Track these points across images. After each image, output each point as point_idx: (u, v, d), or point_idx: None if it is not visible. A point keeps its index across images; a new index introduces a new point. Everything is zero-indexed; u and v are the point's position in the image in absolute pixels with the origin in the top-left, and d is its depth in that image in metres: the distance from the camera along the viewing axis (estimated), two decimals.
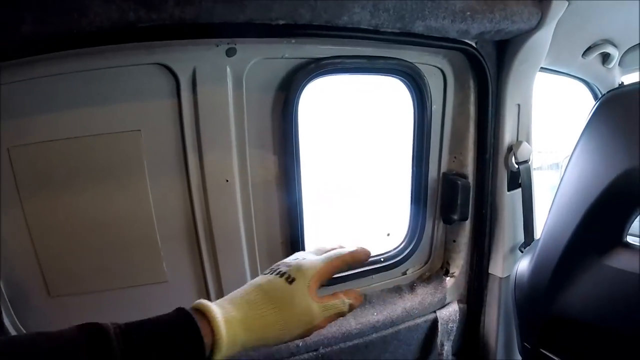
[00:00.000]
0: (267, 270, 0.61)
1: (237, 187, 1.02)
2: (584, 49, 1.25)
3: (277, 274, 0.58)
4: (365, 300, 1.22)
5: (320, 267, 0.60)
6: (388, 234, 1.22)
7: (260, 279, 0.59)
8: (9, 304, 1.06)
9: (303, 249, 1.09)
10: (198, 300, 0.54)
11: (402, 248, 1.22)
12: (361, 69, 1.04)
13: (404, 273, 1.28)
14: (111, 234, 1.01)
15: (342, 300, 0.62)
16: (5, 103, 0.88)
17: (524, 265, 0.96)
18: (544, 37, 1.04)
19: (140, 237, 1.04)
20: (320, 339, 1.14)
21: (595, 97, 1.51)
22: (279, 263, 0.62)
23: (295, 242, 1.10)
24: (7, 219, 0.96)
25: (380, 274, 1.23)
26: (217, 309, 0.52)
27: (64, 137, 0.93)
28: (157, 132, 0.97)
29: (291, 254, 1.07)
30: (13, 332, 1.08)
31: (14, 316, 1.06)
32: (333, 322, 1.10)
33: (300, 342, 1.13)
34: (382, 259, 1.21)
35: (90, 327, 0.45)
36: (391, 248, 1.23)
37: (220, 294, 1.10)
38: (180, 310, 0.52)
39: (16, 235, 0.98)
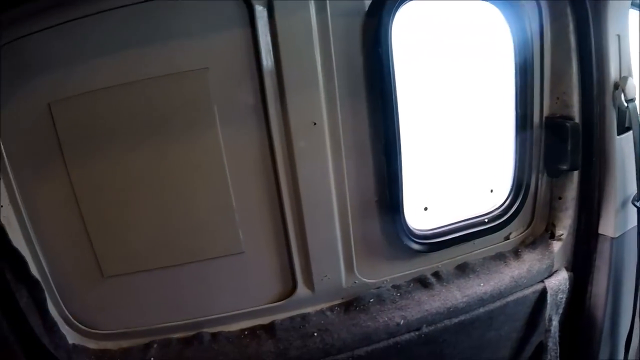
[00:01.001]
0: None
1: (326, 132, 0.91)
2: None
3: None
4: (469, 270, 1.09)
5: None
6: (491, 190, 1.11)
7: None
8: (55, 292, 0.96)
9: (401, 209, 0.97)
10: None
11: (506, 207, 1.10)
12: None
13: (507, 238, 1.15)
14: (174, 199, 0.91)
15: None
16: (38, 54, 0.78)
17: None
18: None
19: (211, 200, 0.93)
20: (424, 315, 1.01)
21: None
22: None
23: (394, 201, 0.98)
24: (49, 188, 0.88)
25: (482, 238, 1.11)
26: None
27: (112, 85, 0.83)
28: (228, 69, 0.86)
29: (387, 214, 0.98)
30: (60, 322, 0.96)
31: (62, 304, 0.97)
32: (437, 297, 0.99)
33: (401, 321, 0.99)
34: (486, 220, 1.09)
35: None
36: (494, 207, 1.11)
37: (306, 265, 0.98)
38: None
39: (60, 207, 0.90)
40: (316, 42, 0.85)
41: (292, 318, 1.00)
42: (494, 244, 1.14)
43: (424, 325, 1.00)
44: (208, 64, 0.84)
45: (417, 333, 1.00)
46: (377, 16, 0.86)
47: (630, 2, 1.07)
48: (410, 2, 0.92)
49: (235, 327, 1.02)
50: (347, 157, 0.93)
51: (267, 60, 0.85)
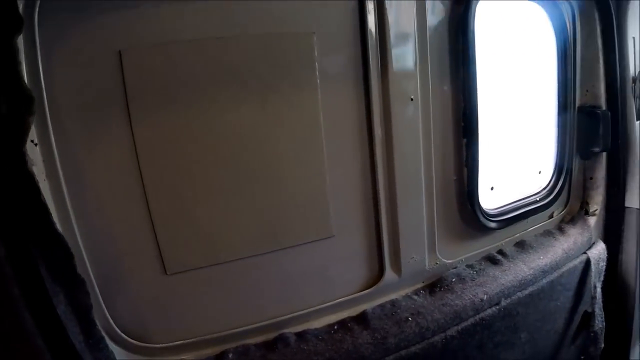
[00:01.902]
0: None
1: (419, 109, 0.95)
2: None
3: None
4: (527, 246, 1.19)
5: None
6: (540, 172, 1.23)
7: None
8: (99, 297, 0.81)
9: (477, 188, 1.04)
10: None
11: (551, 187, 1.23)
12: None
13: (550, 216, 1.28)
14: (260, 176, 0.85)
15: None
16: None
17: None
18: None
19: (304, 177, 0.89)
20: (502, 289, 1.07)
21: None
22: None
23: (471, 180, 1.05)
24: (104, 159, 0.75)
25: (532, 217, 1.22)
26: None
27: (199, 38, 0.75)
28: (333, 38, 0.86)
29: (464, 193, 1.04)
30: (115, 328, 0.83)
31: (107, 313, 0.82)
32: (508, 272, 1.07)
33: (484, 296, 1.04)
34: (537, 199, 1.20)
35: None
36: (541, 188, 1.23)
37: (394, 247, 0.99)
38: None
39: (115, 185, 0.77)
40: (415, 19, 0.91)
41: (382, 306, 1.00)
42: (541, 222, 1.26)
43: (503, 299, 1.06)
44: (314, 29, 0.83)
45: (497, 307, 1.05)
46: (462, 3, 0.95)
47: None
48: None
49: (320, 323, 0.97)
50: (435, 136, 0.98)
51: (372, 33, 0.88)
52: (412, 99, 0.92)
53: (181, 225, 0.82)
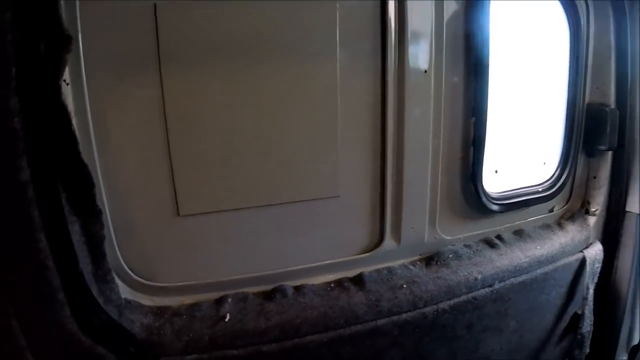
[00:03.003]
0: None
1: (432, 83, 1.01)
2: None
3: None
4: (525, 235, 1.24)
5: None
6: (544, 163, 1.28)
7: None
8: (112, 233, 0.87)
9: (481, 169, 1.08)
10: None
11: (554, 180, 1.28)
12: None
13: (551, 210, 1.33)
14: (275, 133, 0.92)
15: None
16: None
17: None
18: None
19: (316, 137, 0.95)
20: (496, 272, 1.12)
21: None
22: None
23: (476, 160, 1.10)
24: (132, 102, 0.83)
25: (533, 208, 1.27)
26: None
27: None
28: (354, 9, 0.92)
29: (468, 172, 1.09)
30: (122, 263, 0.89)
31: (117, 249, 0.88)
32: (505, 256, 1.12)
33: (479, 276, 1.09)
34: (539, 189, 1.26)
35: None
36: (544, 180, 1.28)
37: (397, 215, 1.04)
38: None
39: (140, 125, 0.84)
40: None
41: (378, 270, 1.05)
42: (541, 214, 1.31)
43: (496, 282, 1.10)
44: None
45: (490, 289, 1.09)
46: None
47: None
48: None
49: (318, 280, 1.03)
50: (445, 112, 1.03)
51: (391, 5, 0.94)
52: (425, 72, 0.98)
53: (198, 171, 0.89)
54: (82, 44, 0.75)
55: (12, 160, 0.65)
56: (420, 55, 0.97)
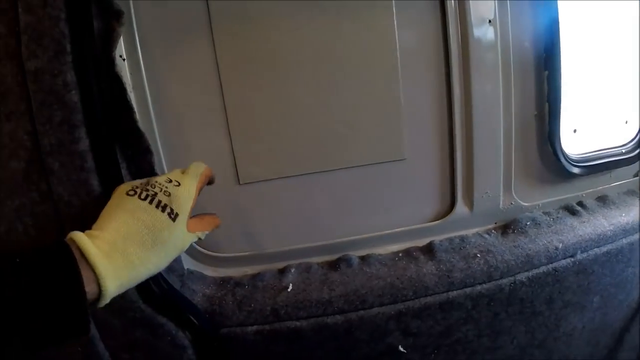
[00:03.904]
0: (140, 192, 0.59)
1: (498, 33, 0.92)
2: None
3: (158, 206, 0.58)
4: (609, 201, 1.13)
5: (194, 196, 0.63)
6: (626, 122, 1.17)
7: (137, 208, 0.57)
8: None
9: (559, 126, 0.99)
10: (73, 234, 0.52)
11: (638, 140, 1.16)
12: None
13: (636, 175, 1.21)
14: (335, 93, 0.88)
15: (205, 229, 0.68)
16: None
17: None
18: None
19: (378, 96, 0.90)
20: (578, 240, 1.02)
21: None
22: (152, 183, 0.61)
23: (552, 116, 1.00)
24: (186, 70, 0.84)
25: (616, 172, 1.16)
26: (100, 256, 0.50)
27: None
28: None
29: (544, 131, 1.00)
30: None
31: None
32: (587, 224, 1.02)
33: (559, 244, 1.00)
34: (623, 151, 1.15)
35: None
36: (628, 140, 1.17)
37: (468, 178, 0.97)
38: (60, 247, 0.49)
39: (195, 94, 0.86)
40: None
41: (450, 239, 0.98)
42: (625, 179, 1.20)
43: (579, 252, 1.01)
44: None
45: (572, 260, 1.00)
46: None
47: None
48: None
49: (385, 250, 0.98)
50: (514, 65, 0.95)
51: None
52: (490, 22, 0.89)
53: (257, 137, 0.88)
54: (135, 20, 0.78)
55: (71, 132, 0.69)
56: (482, 3, 0.89)
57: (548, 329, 1.05)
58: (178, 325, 0.85)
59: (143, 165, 0.82)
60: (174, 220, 0.58)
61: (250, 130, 0.89)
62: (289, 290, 0.89)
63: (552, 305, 1.02)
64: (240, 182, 0.91)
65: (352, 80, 0.88)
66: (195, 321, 0.84)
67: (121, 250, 0.52)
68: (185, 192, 0.62)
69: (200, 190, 0.67)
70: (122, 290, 0.53)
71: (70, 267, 0.46)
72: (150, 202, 0.58)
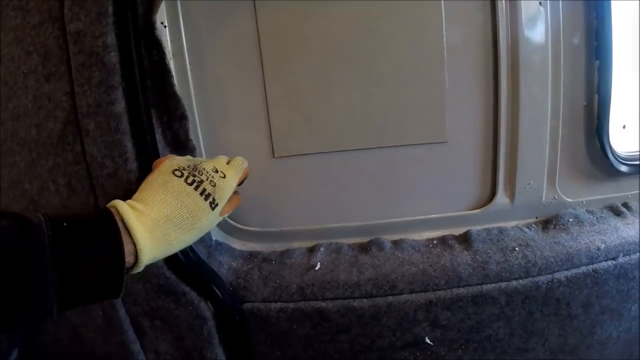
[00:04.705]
0: (187, 176, 0.62)
1: (549, 17, 0.89)
2: None
3: (202, 194, 0.61)
4: None
5: (234, 188, 0.69)
6: (624, 126, 1.12)
7: (183, 192, 0.60)
8: None
9: (608, 119, 0.95)
10: (117, 203, 0.55)
11: None
12: None
13: None
14: (375, 70, 0.86)
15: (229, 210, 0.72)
16: None
17: None
18: None
19: (421, 74, 0.88)
20: (622, 243, 0.98)
21: None
22: (199, 169, 0.64)
23: (602, 108, 0.96)
24: (225, 42, 0.84)
25: None
26: (143, 232, 0.54)
27: None
28: None
29: (593, 124, 0.96)
30: None
31: None
32: (632, 226, 0.97)
33: (601, 245, 0.96)
34: None
35: (22, 219, 0.46)
36: None
37: (511, 167, 0.93)
38: (106, 216, 0.53)
39: (233, 66, 0.86)
40: None
41: (488, 230, 0.94)
42: None
43: (621, 254, 0.96)
44: None
45: (613, 262, 0.96)
46: None
47: None
48: None
49: (420, 236, 0.95)
50: (564, 52, 0.91)
51: None
52: (540, 3, 0.86)
53: (294, 111, 0.86)
54: None
55: (108, 93, 0.71)
56: None
57: (582, 334, 1.00)
58: (201, 295, 0.83)
59: (179, 131, 0.82)
60: (213, 209, 0.62)
61: (288, 103, 0.87)
62: (316, 269, 0.87)
63: (588, 309, 0.98)
64: (275, 155, 0.89)
65: (395, 58, 0.85)
66: (218, 292, 0.83)
67: (162, 229, 0.56)
68: (229, 185, 0.66)
69: (238, 185, 0.72)
70: (153, 261, 0.57)
71: (115, 237, 0.50)
72: (196, 189, 0.61)
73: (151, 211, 0.56)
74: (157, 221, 0.56)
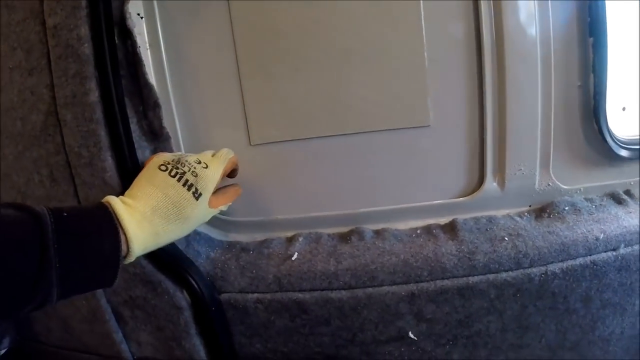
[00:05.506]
0: (171, 170, 0.66)
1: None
2: None
3: (185, 184, 0.65)
4: None
5: (219, 178, 0.71)
6: (623, 109, 1.04)
7: (167, 184, 0.64)
8: None
9: (604, 99, 0.89)
10: (110, 199, 0.59)
11: None
12: None
13: None
14: (353, 52, 0.83)
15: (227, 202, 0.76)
16: None
17: None
18: None
19: (400, 55, 0.84)
20: (622, 232, 0.92)
21: None
22: (182, 162, 0.68)
23: (598, 87, 0.90)
24: (201, 31, 0.84)
25: None
26: (133, 224, 0.58)
27: None
28: None
29: (589, 106, 0.90)
30: None
31: None
32: (634, 214, 0.91)
33: (600, 235, 0.90)
34: None
35: (29, 209, 0.49)
36: None
37: (500, 151, 0.89)
38: (102, 208, 0.57)
39: (209, 54, 0.86)
40: None
41: (476, 218, 0.90)
42: None
43: (622, 245, 0.90)
44: None
45: (614, 254, 0.90)
46: None
47: None
48: None
49: (403, 225, 0.92)
50: (554, 30, 0.86)
51: None
52: None
53: (270, 97, 0.85)
54: None
55: (83, 83, 0.73)
56: None
57: (582, 330, 0.95)
58: (176, 285, 0.83)
59: (153, 120, 0.82)
60: (197, 199, 0.66)
61: (263, 90, 0.86)
62: (293, 259, 0.85)
63: (588, 303, 0.92)
64: (252, 143, 0.88)
65: (371, 39, 0.83)
66: (193, 282, 0.82)
67: (149, 220, 0.60)
68: (211, 174, 0.69)
69: (224, 175, 0.74)
70: (145, 252, 0.61)
71: (112, 227, 0.55)
72: (179, 180, 0.65)
73: (139, 204, 0.60)
74: (145, 213, 0.60)
